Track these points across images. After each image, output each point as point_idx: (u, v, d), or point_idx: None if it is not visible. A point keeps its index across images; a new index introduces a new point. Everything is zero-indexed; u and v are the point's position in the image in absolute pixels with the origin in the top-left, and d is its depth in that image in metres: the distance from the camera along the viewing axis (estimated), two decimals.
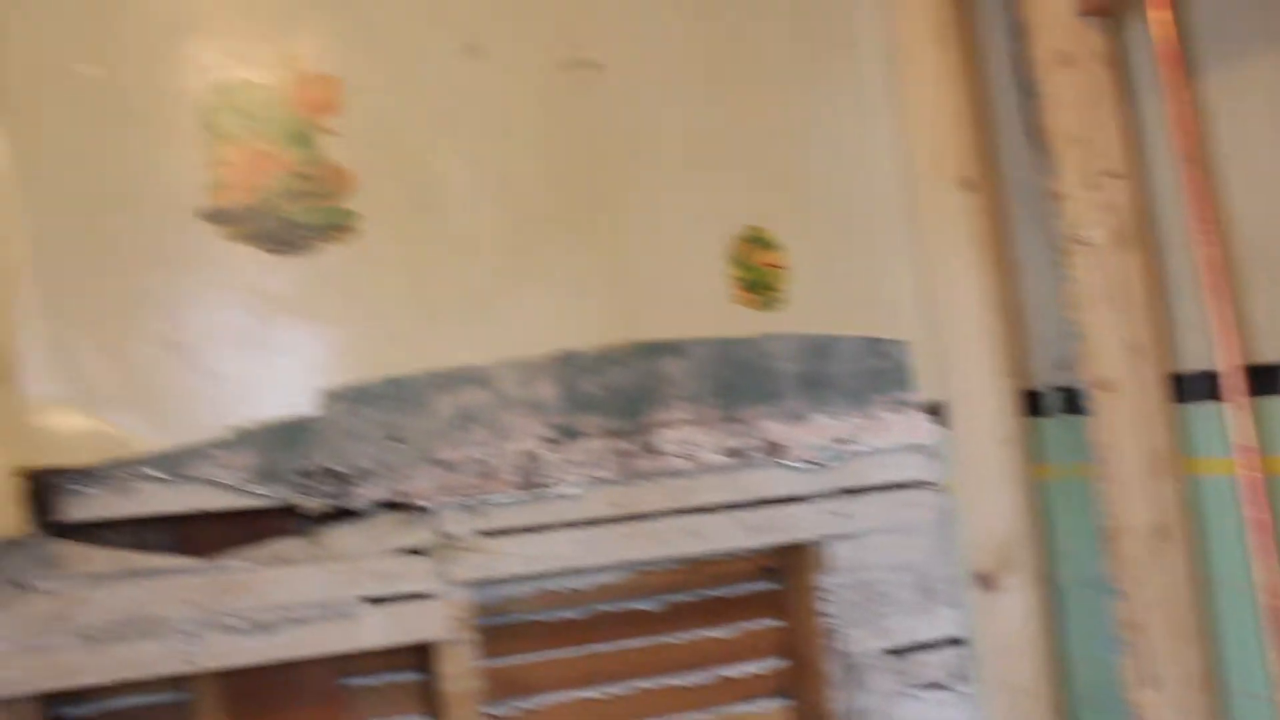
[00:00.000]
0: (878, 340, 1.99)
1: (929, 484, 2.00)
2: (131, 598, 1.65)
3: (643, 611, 2.01)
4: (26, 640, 1.60)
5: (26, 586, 1.60)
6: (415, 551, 1.77)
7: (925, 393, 2.01)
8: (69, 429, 1.61)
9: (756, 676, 2.06)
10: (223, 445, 1.67)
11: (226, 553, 1.71)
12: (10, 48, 1.64)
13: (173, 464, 1.65)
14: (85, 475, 1.61)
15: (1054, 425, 1.95)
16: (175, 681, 1.77)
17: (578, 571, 1.90)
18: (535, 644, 1.94)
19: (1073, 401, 1.87)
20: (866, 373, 1.98)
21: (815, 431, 1.95)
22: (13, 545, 1.58)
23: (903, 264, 2.02)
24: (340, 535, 1.75)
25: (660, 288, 1.90)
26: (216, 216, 1.70)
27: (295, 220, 1.72)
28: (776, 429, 1.93)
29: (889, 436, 1.99)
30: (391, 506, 1.76)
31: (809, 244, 1.98)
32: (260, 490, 1.68)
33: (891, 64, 2.03)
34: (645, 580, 2.01)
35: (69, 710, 1.74)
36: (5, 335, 1.60)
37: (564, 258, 1.85)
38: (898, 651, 1.98)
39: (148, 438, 1.64)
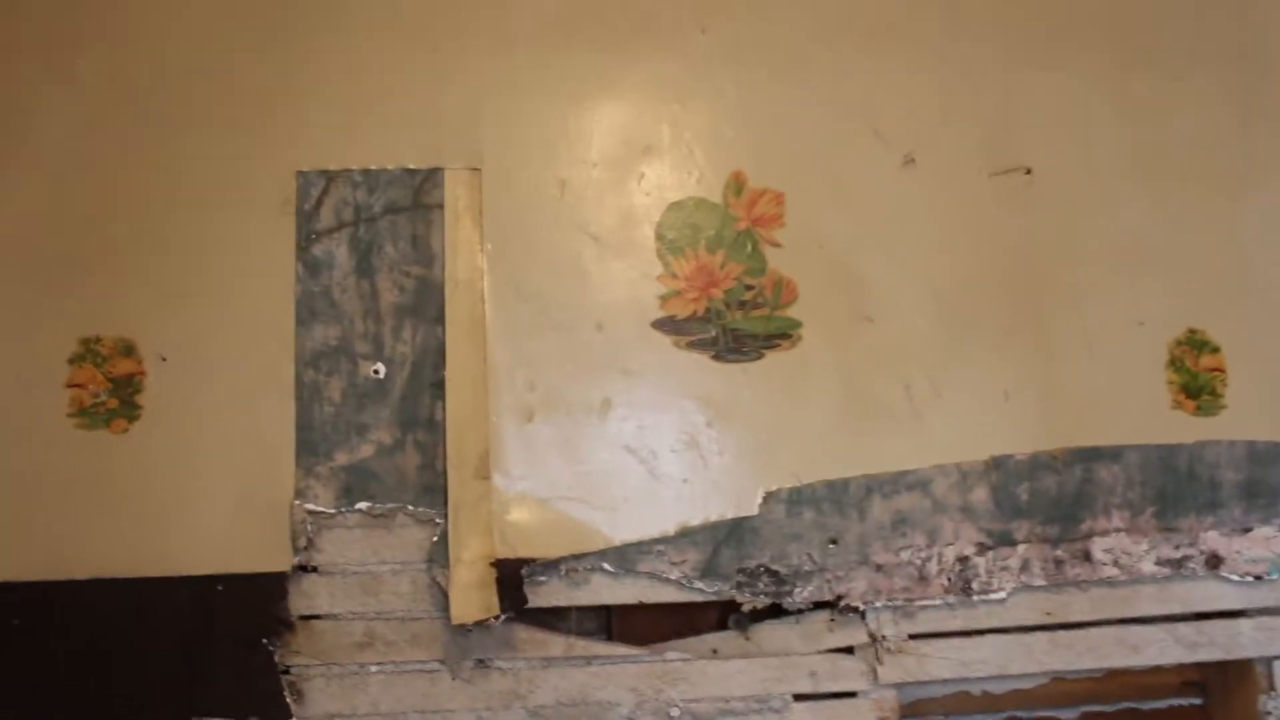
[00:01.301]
0: None
1: None
2: (579, 681, 1.75)
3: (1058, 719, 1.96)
4: (487, 715, 1.73)
5: (489, 665, 1.74)
6: (845, 650, 1.79)
7: None
8: (536, 523, 1.73)
9: None
10: (669, 542, 1.75)
11: (661, 643, 1.78)
12: (494, 168, 1.79)
13: (623, 558, 1.74)
14: (546, 566, 1.72)
15: None
16: None
17: (1003, 678, 1.87)
18: None
19: None
20: None
21: (1258, 543, 1.85)
22: (481, 628, 1.71)
23: None
24: (773, 632, 1.80)
25: (1094, 393, 1.85)
26: (668, 326, 1.79)
27: (740, 329, 1.79)
28: (1216, 539, 1.84)
29: None
30: (824, 606, 1.79)
31: (1251, 346, 1.89)
32: (701, 585, 1.75)
33: None
34: (1063, 688, 1.96)
35: None
36: (485, 436, 1.74)
37: (996, 363, 1.84)
38: None
39: (604, 533, 1.74)
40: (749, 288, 1.81)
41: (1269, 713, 1.84)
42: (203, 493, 1.73)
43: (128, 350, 1.75)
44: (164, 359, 1.75)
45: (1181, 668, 1.96)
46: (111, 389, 1.74)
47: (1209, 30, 1.96)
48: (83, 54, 1.81)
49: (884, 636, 1.79)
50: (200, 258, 1.78)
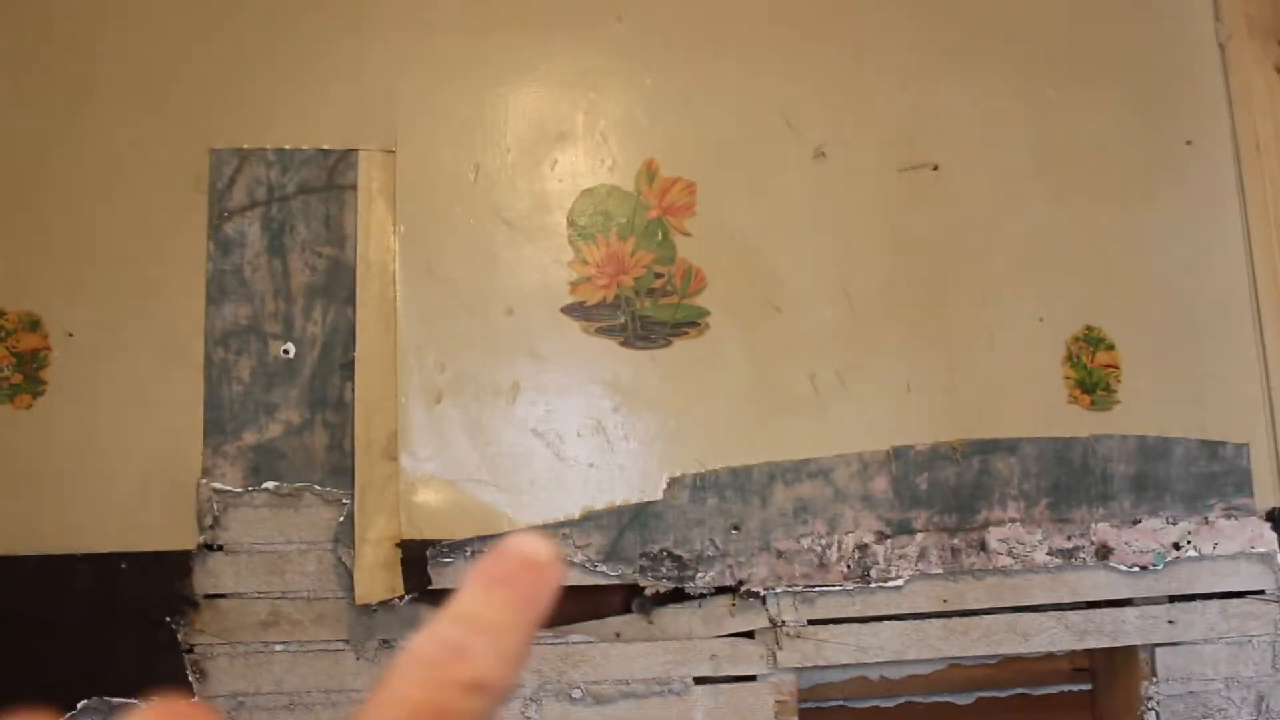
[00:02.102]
0: (1216, 443, 1.94)
1: (1268, 595, 1.93)
2: None
3: (954, 705, 2.01)
4: None
5: (394, 645, 1.75)
6: (746, 635, 1.83)
7: (1266, 499, 1.93)
8: (442, 504, 1.75)
9: None
10: (574, 525, 1.78)
11: (565, 626, 1.81)
12: (409, 151, 1.80)
13: None
14: (452, 548, 1.74)
15: None
16: None
17: (900, 663, 1.92)
18: None
19: None
20: (1202, 476, 1.93)
21: (1146, 535, 1.91)
22: (386, 608, 1.73)
23: (1244, 366, 1.96)
24: (675, 616, 1.83)
25: (994, 386, 1.90)
26: (578, 312, 1.81)
27: (649, 316, 1.82)
28: (1106, 530, 1.90)
29: (1225, 543, 1.93)
30: (725, 590, 1.82)
31: (1146, 345, 1.95)
32: (605, 569, 1.78)
33: (1235, 163, 1.97)
34: (959, 674, 2.01)
35: None
36: (394, 417, 1.75)
37: (900, 356, 1.88)
38: None
39: (509, 516, 1.76)
40: (658, 275, 1.84)
41: (1150, 698, 1.91)
42: (108, 470, 1.72)
43: (33, 325, 1.74)
44: (70, 335, 1.74)
45: (1073, 655, 2.02)
46: (15, 364, 1.73)
47: (1117, 40, 2.01)
48: None
49: (784, 622, 1.83)
50: (111, 234, 1.77)
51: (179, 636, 1.70)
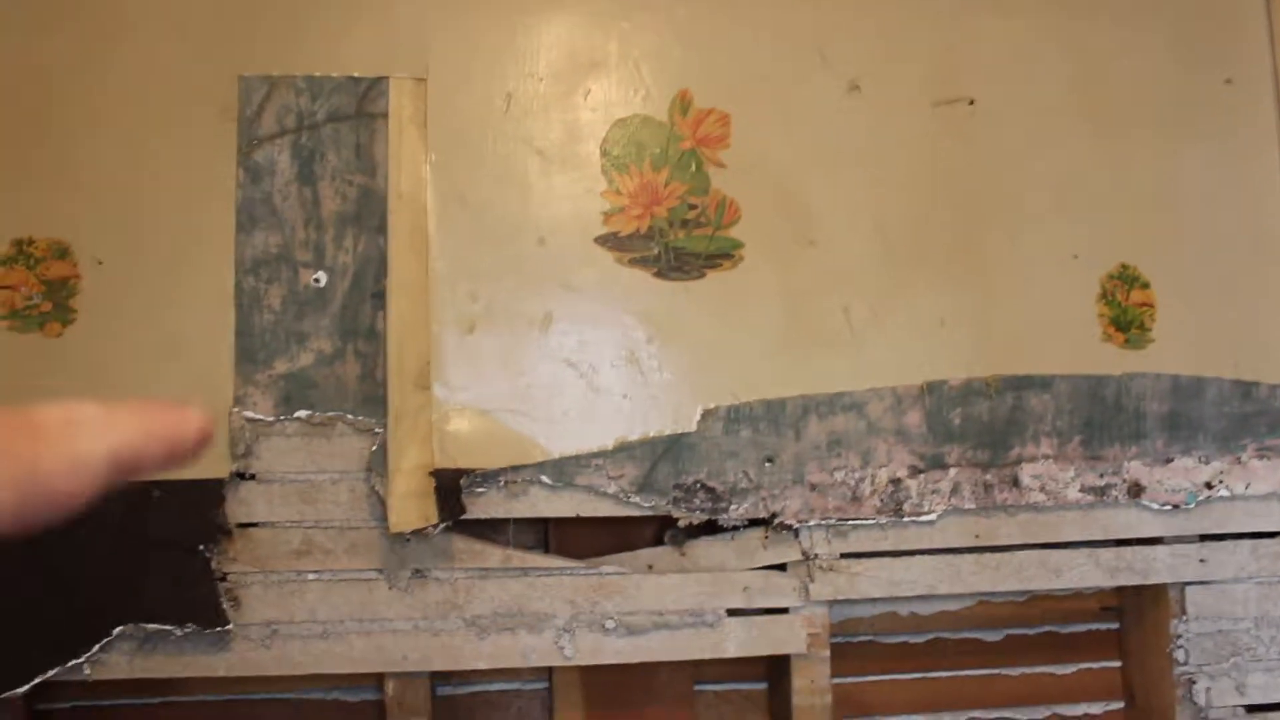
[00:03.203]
0: (1250, 383, 1.93)
1: None
2: (516, 592, 1.77)
3: (982, 641, 2.02)
4: (424, 624, 1.74)
5: (427, 575, 1.75)
6: (778, 568, 1.83)
7: None
8: (475, 434, 1.74)
9: (1092, 717, 2.03)
10: (607, 456, 1.77)
11: (598, 557, 1.81)
12: (440, 78, 1.78)
13: (561, 471, 1.76)
14: (485, 477, 1.74)
15: None
16: (539, 671, 1.89)
17: (930, 598, 1.92)
18: (877, 666, 1.98)
19: None
20: (1236, 416, 1.92)
21: (1179, 474, 1.91)
22: (419, 537, 1.72)
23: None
24: (708, 548, 1.83)
25: (1028, 323, 1.89)
26: (611, 242, 1.80)
27: (683, 248, 1.81)
28: (1139, 469, 1.90)
29: (1257, 483, 1.92)
30: (758, 523, 1.82)
31: (1181, 284, 1.93)
32: (638, 500, 1.77)
33: (1276, 102, 1.95)
34: (985, 611, 2.02)
35: (446, 690, 1.89)
36: (426, 346, 1.74)
37: (934, 290, 1.87)
38: (1259, 709, 1.91)
39: (543, 446, 1.76)
40: (692, 207, 1.82)
41: (1179, 636, 1.91)
42: (139, 398, 1.71)
43: (62, 252, 1.73)
44: (100, 262, 1.73)
45: (1100, 593, 2.03)
46: (45, 291, 1.72)
47: None
48: None
49: (816, 554, 1.83)
50: (139, 161, 1.75)
51: (212, 565, 1.70)
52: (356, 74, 1.80)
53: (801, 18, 1.89)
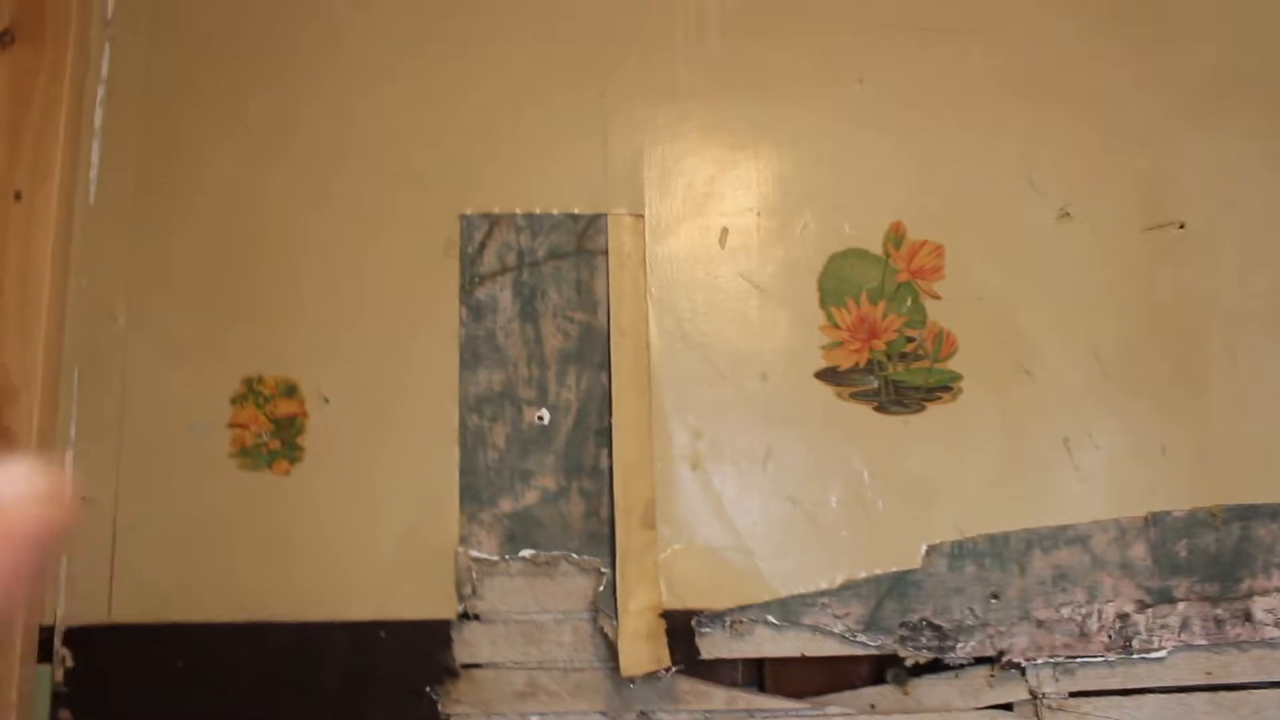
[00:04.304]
0: None
1: None
2: None
3: None
4: None
5: (651, 717, 1.72)
6: (1004, 708, 1.78)
7: None
8: (701, 573, 1.72)
9: None
10: (832, 595, 1.74)
11: (820, 697, 1.77)
12: (657, 214, 1.80)
13: (786, 610, 1.73)
14: (711, 618, 1.71)
15: None
16: None
17: None
18: None
19: None
20: None
21: None
22: (648, 679, 1.69)
23: None
24: (932, 687, 1.78)
25: (1250, 450, 1.85)
26: (830, 377, 1.78)
27: (902, 381, 1.79)
28: None
29: None
30: (982, 661, 1.77)
31: None
32: (864, 639, 1.73)
33: None
34: None
35: None
36: (650, 484, 1.73)
37: (1153, 418, 1.84)
38: None
39: (768, 584, 1.73)
40: (909, 339, 1.81)
41: None
42: (365, 537, 1.71)
43: (290, 391, 1.74)
44: (326, 400, 1.74)
45: None
46: (274, 430, 1.73)
47: None
48: (253, 97, 1.81)
49: (1044, 694, 1.77)
50: (363, 299, 1.77)
51: (438, 707, 1.68)
52: (576, 210, 1.81)
53: (1009, 145, 1.89)
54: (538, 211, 1.82)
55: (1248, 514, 1.84)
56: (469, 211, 1.82)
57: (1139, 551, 1.81)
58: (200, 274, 1.78)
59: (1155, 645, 1.80)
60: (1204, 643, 1.81)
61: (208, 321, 1.77)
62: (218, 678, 1.68)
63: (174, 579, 1.69)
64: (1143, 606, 1.80)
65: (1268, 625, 1.81)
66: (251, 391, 1.75)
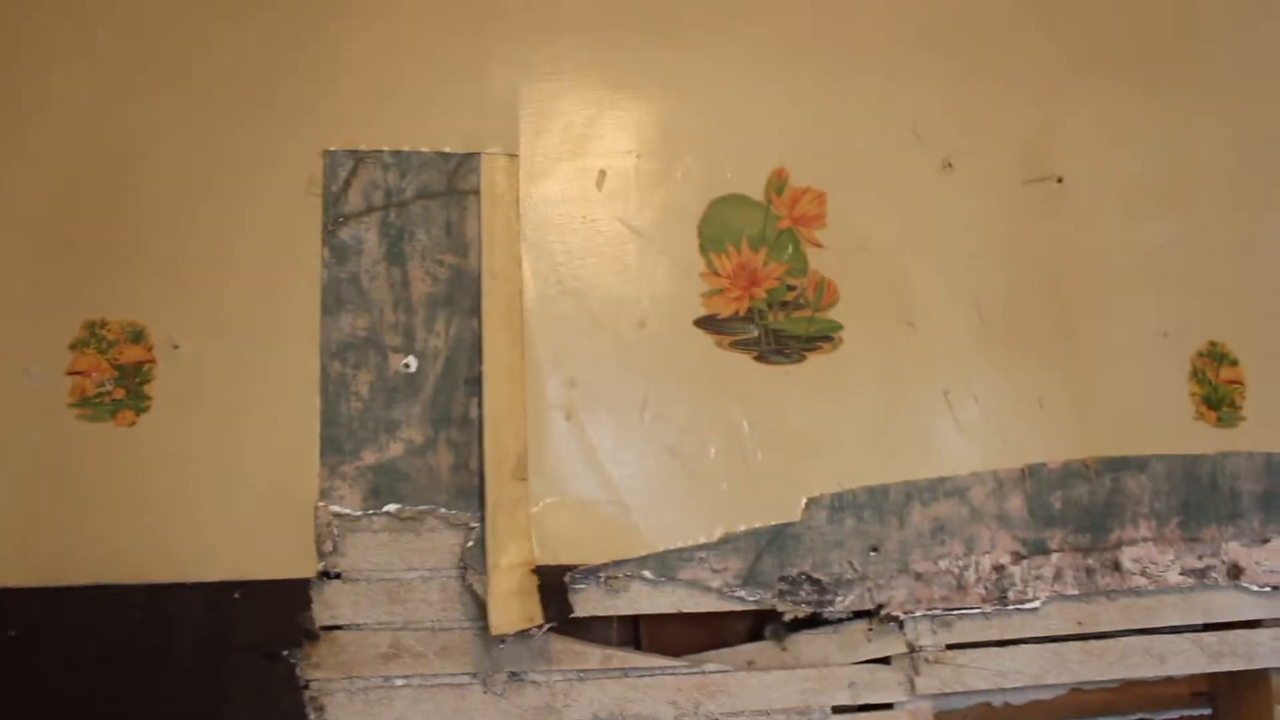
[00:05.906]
0: None
1: None
2: (616, 694, 1.68)
3: None
4: None
5: (524, 678, 1.65)
6: (883, 661, 1.76)
7: None
8: (576, 527, 1.66)
9: None
10: (711, 549, 1.70)
11: (696, 654, 1.73)
12: (533, 155, 1.72)
13: (664, 565, 1.68)
14: (585, 574, 1.65)
15: None
16: None
17: (1036, 688, 1.86)
18: None
19: None
20: None
21: (1276, 554, 1.88)
22: (518, 638, 1.63)
23: None
24: (810, 642, 1.76)
25: (1122, 403, 1.87)
26: (710, 325, 1.74)
27: (782, 330, 1.75)
28: (1237, 550, 1.87)
29: None
30: (860, 615, 1.75)
31: (1268, 360, 1.93)
32: (743, 594, 1.70)
33: None
34: (1079, 698, 1.96)
35: None
36: (523, 435, 1.66)
37: (1031, 371, 1.84)
38: None
39: (645, 538, 1.68)
40: (791, 288, 1.77)
41: None
42: (218, 492, 1.61)
43: (136, 336, 1.62)
44: (176, 346, 1.63)
45: (1191, 678, 1.98)
46: (118, 378, 1.61)
47: (1241, 54, 2.00)
48: (104, 22, 1.68)
49: (922, 646, 1.76)
50: (218, 239, 1.66)
51: (296, 671, 1.58)
52: (447, 149, 1.72)
53: (895, 96, 1.87)
54: (406, 149, 1.73)
55: (1118, 466, 1.85)
56: (333, 147, 1.71)
57: (1016, 503, 1.81)
58: (38, 206, 1.64)
59: (1030, 596, 1.80)
60: (1075, 593, 1.82)
61: (45, 258, 1.63)
62: (57, 647, 1.55)
63: (6, 539, 1.56)
64: (1018, 558, 1.80)
65: (1135, 574, 1.83)
66: (93, 336, 1.62)
